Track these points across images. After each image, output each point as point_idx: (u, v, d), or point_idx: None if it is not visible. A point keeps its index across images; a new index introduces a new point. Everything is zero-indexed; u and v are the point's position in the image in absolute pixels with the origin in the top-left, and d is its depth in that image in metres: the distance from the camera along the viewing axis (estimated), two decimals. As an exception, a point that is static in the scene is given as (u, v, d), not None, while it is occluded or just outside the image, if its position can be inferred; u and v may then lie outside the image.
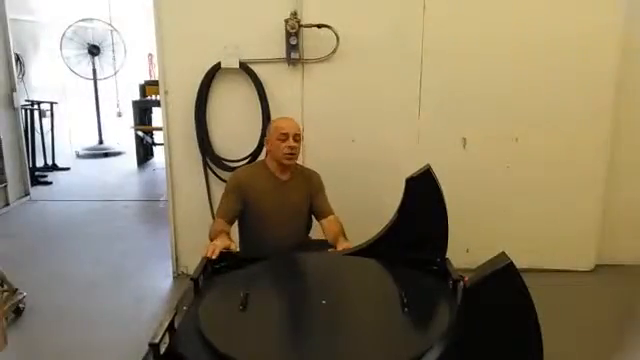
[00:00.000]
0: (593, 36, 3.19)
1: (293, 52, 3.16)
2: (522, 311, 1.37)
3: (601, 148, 3.37)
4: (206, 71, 3.24)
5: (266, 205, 2.58)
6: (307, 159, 3.26)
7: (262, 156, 3.30)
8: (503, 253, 1.41)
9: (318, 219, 2.68)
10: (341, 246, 2.39)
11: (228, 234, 2.44)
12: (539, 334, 1.39)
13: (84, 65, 7.52)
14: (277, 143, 2.56)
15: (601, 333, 2.83)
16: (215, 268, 2.10)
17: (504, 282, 1.36)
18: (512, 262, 1.35)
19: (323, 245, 2.56)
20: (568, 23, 3.18)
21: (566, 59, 3.22)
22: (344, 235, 2.53)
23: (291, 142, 2.54)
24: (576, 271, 3.52)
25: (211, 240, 2.36)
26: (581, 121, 3.31)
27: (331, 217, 2.63)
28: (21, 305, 3.01)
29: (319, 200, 2.68)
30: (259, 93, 3.25)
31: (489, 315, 1.38)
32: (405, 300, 1.69)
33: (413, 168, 2.24)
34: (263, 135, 3.29)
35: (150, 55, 8.44)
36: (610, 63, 3.23)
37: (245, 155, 3.33)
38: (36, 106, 6.44)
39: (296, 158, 2.61)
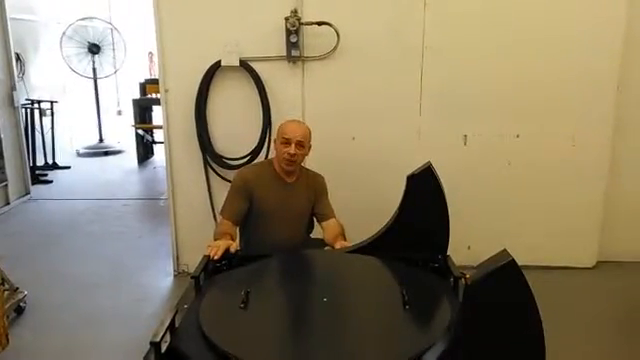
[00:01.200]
0: (595, 32, 3.18)
1: (294, 50, 3.16)
2: (524, 308, 1.37)
3: (603, 144, 3.36)
4: (206, 69, 3.24)
5: (269, 206, 2.57)
6: (308, 156, 3.25)
7: (263, 154, 3.30)
8: (505, 250, 1.40)
9: (319, 222, 2.67)
10: (339, 245, 2.39)
11: (232, 236, 2.44)
12: (541, 331, 1.38)
13: (84, 64, 7.51)
14: (280, 147, 2.54)
15: (603, 329, 2.83)
16: (216, 266, 2.09)
17: (506, 279, 1.35)
18: (513, 259, 1.34)
19: (322, 244, 2.56)
20: (570, 19, 3.17)
21: (568, 55, 3.21)
22: (343, 237, 2.52)
23: (292, 149, 2.49)
24: (578, 268, 3.52)
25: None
26: (583, 117, 3.31)
27: (332, 220, 2.61)
28: (22, 304, 3.01)
29: (322, 203, 2.67)
30: (259, 91, 3.25)
31: (491, 312, 1.38)
32: (406, 298, 1.69)
33: (414, 165, 2.24)
34: (263, 133, 3.29)
35: (150, 53, 8.43)
36: (612, 59, 3.22)
37: (245, 153, 3.32)
38: (36, 105, 6.43)
39: (296, 165, 2.58)
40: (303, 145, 2.54)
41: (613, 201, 3.50)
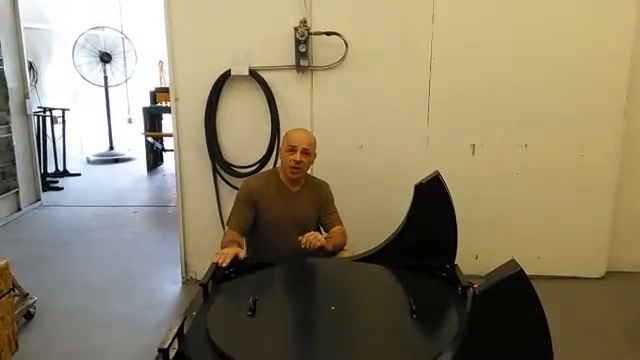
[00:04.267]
0: (604, 42, 3.17)
1: (302, 59, 3.18)
2: (532, 318, 1.37)
3: (611, 154, 3.34)
4: (216, 78, 3.26)
5: (275, 215, 2.59)
6: (315, 164, 3.26)
7: (271, 162, 3.32)
8: (513, 260, 1.41)
9: (326, 230, 2.68)
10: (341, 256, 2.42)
11: (239, 245, 2.45)
12: (549, 341, 1.38)
13: (96, 72, 7.60)
14: (285, 154, 2.57)
15: (611, 340, 2.80)
16: (224, 274, 2.11)
17: (514, 289, 1.35)
18: (522, 269, 1.34)
19: (331, 253, 2.56)
20: (578, 29, 3.17)
21: (576, 64, 3.21)
22: (344, 246, 2.56)
23: (297, 156, 2.52)
24: (586, 278, 3.49)
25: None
26: (591, 126, 3.29)
27: (337, 228, 2.63)
28: (32, 310, 3.03)
29: (327, 211, 2.69)
30: (268, 100, 3.27)
31: (499, 322, 1.38)
32: (414, 307, 1.69)
33: (422, 174, 2.25)
34: (272, 142, 3.31)
35: (161, 62, 8.51)
36: (621, 68, 3.21)
37: (254, 161, 3.34)
38: (48, 113, 6.51)
39: (302, 172, 2.60)
40: (309, 153, 2.57)
41: (622, 211, 3.47)
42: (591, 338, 2.79)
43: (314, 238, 2.34)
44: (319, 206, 2.68)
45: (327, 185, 2.76)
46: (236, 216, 2.60)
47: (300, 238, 2.36)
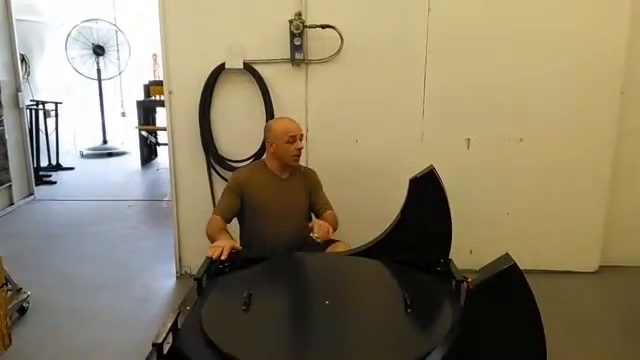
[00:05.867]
0: (598, 36, 3.18)
1: (297, 53, 3.16)
2: (525, 312, 1.37)
3: (606, 149, 3.35)
4: (210, 71, 3.25)
5: (265, 202, 2.63)
6: (310, 159, 3.27)
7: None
8: (507, 254, 1.41)
9: (317, 215, 2.74)
10: (336, 249, 2.46)
11: (227, 232, 2.46)
12: (542, 335, 1.38)
13: (89, 65, 7.55)
14: (286, 146, 2.60)
15: (605, 334, 2.82)
16: (218, 268, 2.10)
17: (508, 283, 1.36)
18: (515, 263, 1.34)
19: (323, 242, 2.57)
20: (573, 25, 3.17)
21: (571, 59, 3.21)
22: (335, 226, 2.62)
23: (299, 143, 2.62)
24: (580, 272, 3.51)
25: (209, 237, 2.39)
26: (586, 122, 3.30)
27: (328, 212, 2.70)
28: (25, 304, 3.02)
29: (317, 197, 2.76)
30: (263, 93, 3.26)
31: (492, 316, 1.38)
32: (408, 301, 1.69)
33: (417, 168, 2.25)
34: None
35: (154, 55, 8.46)
36: (616, 63, 3.22)
37: (249, 155, 3.33)
38: (41, 106, 6.47)
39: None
40: (303, 136, 2.68)
41: (616, 205, 3.49)
42: (585, 332, 2.81)
43: (327, 231, 2.38)
44: (309, 192, 2.75)
45: (314, 172, 2.85)
46: (222, 202, 2.68)
47: (310, 225, 2.40)
